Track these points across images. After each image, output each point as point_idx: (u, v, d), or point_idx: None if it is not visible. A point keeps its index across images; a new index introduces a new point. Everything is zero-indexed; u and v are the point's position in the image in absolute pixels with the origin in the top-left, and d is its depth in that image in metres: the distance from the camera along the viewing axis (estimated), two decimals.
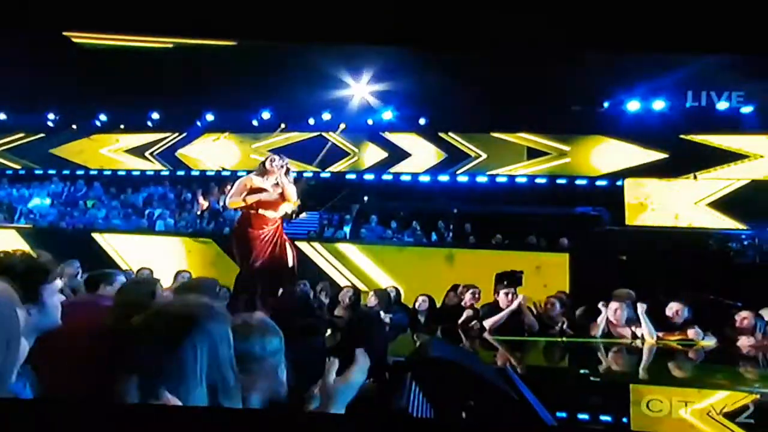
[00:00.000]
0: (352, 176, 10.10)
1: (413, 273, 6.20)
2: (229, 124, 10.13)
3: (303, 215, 8.07)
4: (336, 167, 10.18)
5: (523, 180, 9.34)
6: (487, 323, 4.50)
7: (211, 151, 10.41)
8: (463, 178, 9.73)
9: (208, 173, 10.25)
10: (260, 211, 4.04)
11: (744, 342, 4.24)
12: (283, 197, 4.15)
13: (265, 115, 9.72)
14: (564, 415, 2.67)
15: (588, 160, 9.17)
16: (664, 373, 3.78)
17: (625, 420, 2.70)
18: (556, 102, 8.54)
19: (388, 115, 9.72)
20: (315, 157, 9.92)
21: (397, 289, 5.06)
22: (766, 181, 8.02)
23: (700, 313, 4.77)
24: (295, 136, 10.14)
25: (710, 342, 4.23)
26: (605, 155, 9.11)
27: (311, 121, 9.85)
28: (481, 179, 9.63)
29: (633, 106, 8.73)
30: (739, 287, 5.87)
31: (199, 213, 8.53)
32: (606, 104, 8.98)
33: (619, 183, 8.67)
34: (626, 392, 3.03)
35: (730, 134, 8.35)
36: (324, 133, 10.18)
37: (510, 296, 4.48)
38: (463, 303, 4.64)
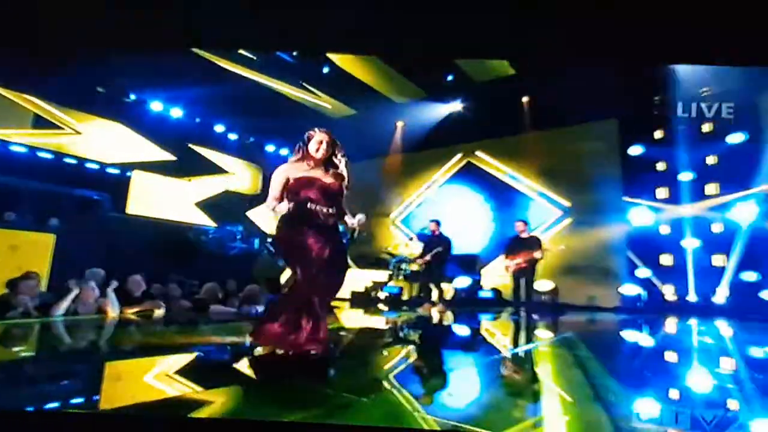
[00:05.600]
0: None
1: None
2: None
3: None
4: None
5: (23, 150, 8.00)
6: None
7: None
8: None
9: None
10: (310, 204, 3.00)
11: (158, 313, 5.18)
12: (339, 183, 3.13)
13: None
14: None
15: (103, 145, 8.86)
16: (130, 344, 3.88)
17: (96, 398, 2.42)
18: (85, 78, 7.89)
19: None
20: None
21: None
22: (233, 192, 10.32)
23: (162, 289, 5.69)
24: None
25: (161, 311, 5.14)
26: (122, 144, 9.06)
27: None
28: None
29: (156, 106, 9.20)
30: (208, 269, 7.39)
31: None
32: (133, 96, 9.05)
33: (129, 173, 8.88)
34: (101, 369, 2.92)
35: (220, 152, 10.23)
36: None
37: None
38: None
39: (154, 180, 9.12)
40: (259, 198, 10.58)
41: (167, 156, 9.49)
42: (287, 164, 3.14)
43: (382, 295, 8.78)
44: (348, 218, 3.19)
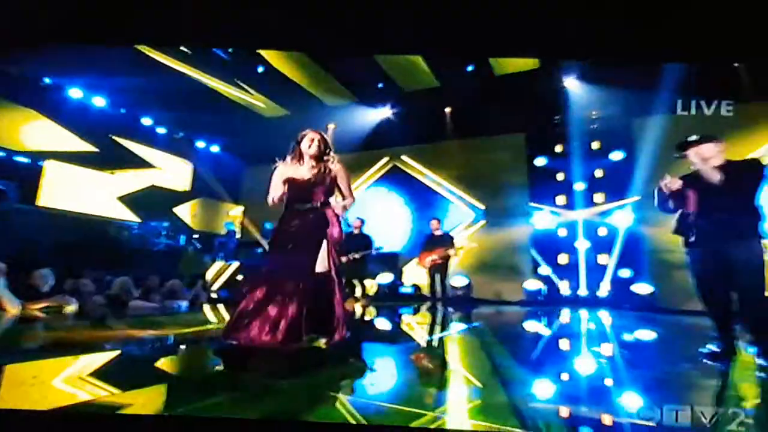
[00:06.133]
0: None
1: None
2: None
3: None
4: None
5: None
6: None
7: None
8: None
9: None
10: (294, 204, 3.06)
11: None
12: (323, 185, 3.14)
13: None
14: None
15: (11, 131, 7.92)
16: (32, 343, 3.63)
17: None
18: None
19: None
20: None
21: None
22: (160, 188, 9.73)
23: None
24: None
25: (72, 307, 4.72)
26: (34, 131, 8.15)
27: None
28: None
29: (75, 93, 8.39)
30: (131, 265, 6.90)
31: None
32: (48, 80, 8.18)
33: (41, 163, 8.01)
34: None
35: (147, 146, 9.58)
36: None
37: None
38: None
39: (71, 171, 8.32)
40: (188, 194, 10.02)
41: (87, 146, 8.69)
42: (282, 165, 3.24)
43: None
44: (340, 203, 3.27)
